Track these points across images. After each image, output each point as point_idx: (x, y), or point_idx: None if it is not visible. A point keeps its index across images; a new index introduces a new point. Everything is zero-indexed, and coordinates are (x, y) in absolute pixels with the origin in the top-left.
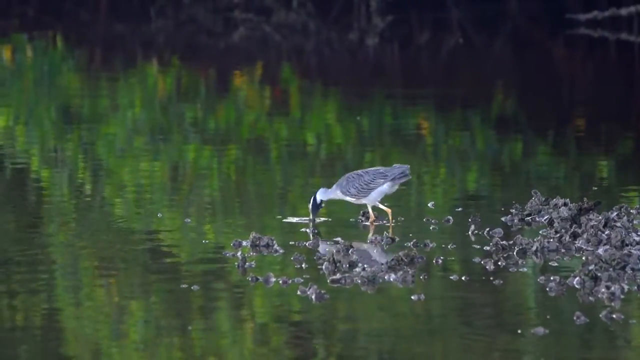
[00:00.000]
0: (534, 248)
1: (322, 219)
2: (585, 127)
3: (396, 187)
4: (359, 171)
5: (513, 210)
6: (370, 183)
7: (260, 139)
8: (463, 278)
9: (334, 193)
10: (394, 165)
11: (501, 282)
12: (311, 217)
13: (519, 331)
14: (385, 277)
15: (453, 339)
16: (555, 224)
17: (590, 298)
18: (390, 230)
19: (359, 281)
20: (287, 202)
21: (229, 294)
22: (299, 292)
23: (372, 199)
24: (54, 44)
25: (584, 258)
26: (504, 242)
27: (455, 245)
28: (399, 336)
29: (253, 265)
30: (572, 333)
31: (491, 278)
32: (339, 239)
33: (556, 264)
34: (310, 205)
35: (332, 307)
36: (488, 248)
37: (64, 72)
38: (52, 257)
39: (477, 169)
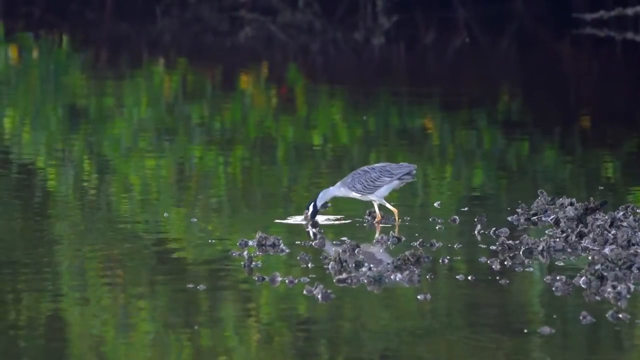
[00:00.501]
0: (540, 248)
1: (329, 217)
2: (591, 127)
3: (402, 184)
4: (365, 167)
5: (519, 210)
6: (376, 180)
7: (267, 138)
8: (469, 278)
9: (338, 190)
10: (401, 163)
11: (507, 281)
12: (310, 220)
13: (525, 331)
14: (392, 277)
15: (459, 338)
16: (562, 224)
17: (597, 298)
18: (397, 230)
19: (365, 281)
20: (293, 202)
21: (235, 294)
22: (305, 292)
23: (379, 195)
24: (60, 43)
25: (590, 258)
26: (510, 241)
27: (461, 245)
28: (405, 336)
29: (259, 265)
30: (578, 333)
31: (497, 278)
32: (345, 238)
33: (562, 264)
34: (308, 211)
35: (338, 307)
36: (494, 248)
37: (70, 72)
38: (58, 257)
39: (483, 168)
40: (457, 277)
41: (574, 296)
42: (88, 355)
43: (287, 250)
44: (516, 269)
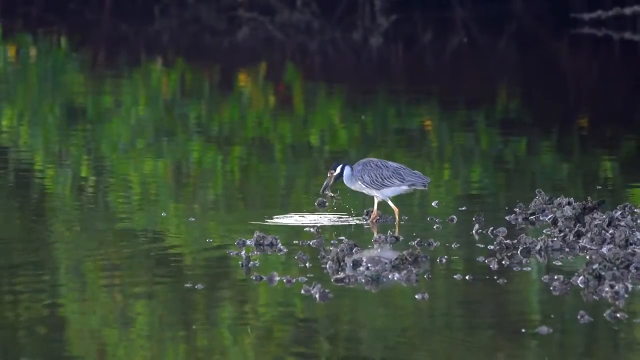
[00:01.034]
0: (537, 247)
1: (326, 216)
2: (589, 127)
3: (409, 191)
4: (378, 161)
5: (517, 210)
6: (386, 179)
7: (264, 138)
8: (467, 277)
9: (348, 177)
10: (416, 171)
11: (505, 281)
12: (330, 181)
13: (523, 330)
14: (389, 276)
15: (457, 338)
16: (559, 223)
17: (594, 297)
18: (396, 229)
19: (363, 280)
20: (291, 201)
21: (233, 293)
22: (302, 291)
23: (384, 195)
24: (58, 43)
25: (587, 257)
26: (508, 241)
27: (459, 245)
28: (403, 335)
29: (257, 265)
30: (576, 332)
31: (495, 277)
32: (343, 238)
33: (560, 263)
34: (335, 171)
35: (336, 306)
36: (492, 247)
37: (68, 71)
38: (56, 256)
39: (481, 168)
40: (455, 276)
41: (572, 295)
42: (87, 355)
43: (285, 250)
44: (514, 269)
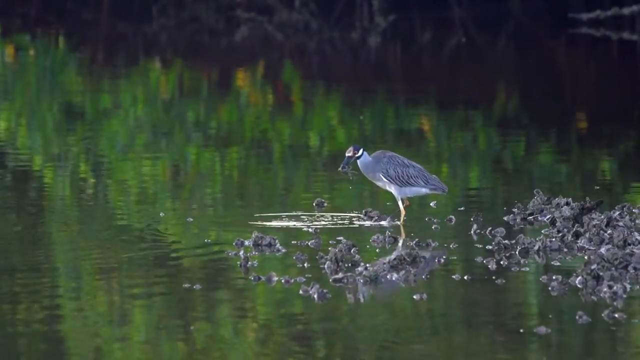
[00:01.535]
0: (536, 247)
1: (324, 215)
2: (587, 127)
3: (424, 194)
4: (404, 159)
5: (515, 210)
6: (411, 178)
7: (263, 138)
8: (465, 277)
9: (368, 162)
10: (435, 176)
11: (503, 281)
12: (347, 161)
13: (521, 330)
14: (388, 277)
15: (455, 338)
16: (558, 224)
17: (593, 297)
18: (402, 230)
19: (361, 280)
20: (290, 201)
21: (231, 294)
22: (301, 292)
23: (402, 192)
24: (56, 43)
25: (586, 257)
26: (506, 241)
27: (457, 245)
28: (401, 336)
29: (255, 265)
30: (574, 332)
31: (493, 277)
32: (341, 238)
33: (558, 264)
34: (358, 152)
35: (334, 307)
36: (490, 247)
37: (66, 71)
38: (54, 257)
39: (479, 168)
40: (453, 276)
41: (570, 296)
42: (85, 355)
43: (283, 250)
44: (512, 269)
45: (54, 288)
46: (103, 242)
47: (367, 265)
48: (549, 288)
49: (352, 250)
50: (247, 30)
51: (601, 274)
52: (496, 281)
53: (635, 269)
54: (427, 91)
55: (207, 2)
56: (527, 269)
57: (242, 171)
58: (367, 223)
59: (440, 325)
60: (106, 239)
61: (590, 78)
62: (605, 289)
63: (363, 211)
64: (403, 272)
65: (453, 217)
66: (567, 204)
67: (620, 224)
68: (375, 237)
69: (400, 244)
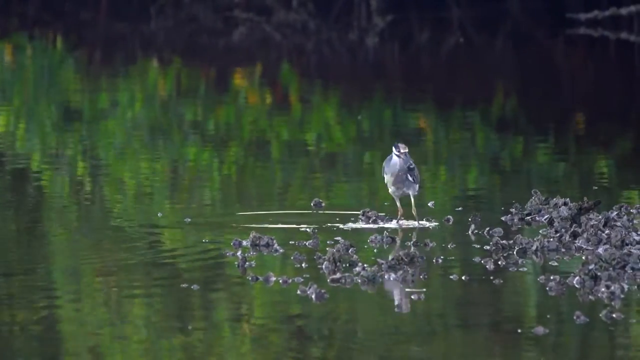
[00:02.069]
0: (534, 247)
1: (322, 213)
2: (585, 127)
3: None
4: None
5: (513, 210)
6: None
7: (261, 138)
8: (463, 277)
9: (396, 162)
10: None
11: (501, 281)
12: (407, 157)
13: (519, 331)
14: (385, 277)
15: (452, 338)
16: (555, 224)
17: (590, 297)
18: (401, 228)
19: (359, 281)
20: (288, 202)
21: (229, 294)
22: (299, 292)
23: (415, 191)
24: (54, 43)
25: (584, 257)
26: (504, 241)
27: (455, 245)
28: (399, 336)
29: (253, 265)
30: (572, 333)
31: (491, 277)
32: (339, 238)
33: (556, 264)
34: (405, 149)
35: (332, 307)
36: (488, 247)
37: (64, 72)
38: (51, 257)
39: (477, 168)
40: (451, 277)
41: (568, 296)
42: (82, 356)
43: (281, 250)
44: (510, 269)
45: (51, 288)
46: (100, 242)
47: (365, 265)
48: (547, 288)
49: (349, 251)
50: (245, 31)
51: (599, 274)
52: (494, 281)
53: (633, 269)
54: (425, 91)
55: (205, 2)
56: (525, 269)
57: (240, 171)
58: (373, 225)
59: (438, 325)
60: (104, 239)
61: (588, 78)
62: (603, 289)
63: (361, 211)
64: (401, 272)
65: (451, 217)
66: (565, 204)
67: (618, 224)
68: (373, 237)
69: (397, 244)
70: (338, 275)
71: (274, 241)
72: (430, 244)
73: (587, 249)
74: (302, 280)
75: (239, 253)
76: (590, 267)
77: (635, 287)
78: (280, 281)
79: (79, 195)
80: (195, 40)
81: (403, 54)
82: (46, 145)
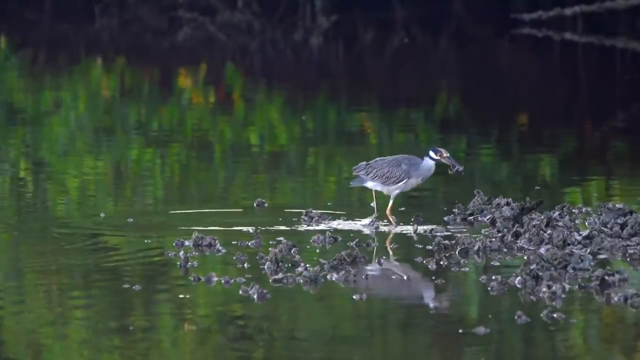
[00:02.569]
0: (476, 247)
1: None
2: (528, 127)
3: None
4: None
5: (455, 210)
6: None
7: (204, 138)
8: (405, 277)
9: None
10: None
11: (443, 281)
12: (453, 162)
13: (460, 331)
14: (328, 277)
15: (394, 338)
16: (498, 224)
17: (532, 297)
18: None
19: (301, 281)
20: (230, 202)
21: (171, 294)
22: (241, 292)
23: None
24: None
25: (525, 257)
26: (446, 241)
27: (397, 245)
28: (341, 336)
29: (195, 265)
30: (513, 332)
31: (433, 277)
32: (281, 238)
33: (498, 264)
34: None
35: (274, 307)
36: (430, 247)
37: (8, 71)
38: None
39: None
40: (393, 277)
41: (509, 296)
42: (24, 354)
43: (224, 251)
44: (452, 269)
45: None
46: (42, 242)
47: (307, 265)
48: (489, 288)
49: (292, 251)
50: (189, 31)
51: (540, 274)
52: (436, 281)
53: (574, 269)
54: (369, 91)
55: (149, 3)
56: (467, 269)
57: (183, 171)
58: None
59: (379, 325)
60: (45, 239)
61: (532, 78)
62: (544, 289)
63: (304, 211)
64: (343, 272)
65: (393, 217)
66: (508, 204)
67: (560, 224)
68: (315, 237)
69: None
70: (280, 275)
71: (217, 241)
72: (373, 244)
73: (529, 249)
74: (244, 280)
75: (181, 253)
76: (532, 267)
77: (577, 287)
78: (223, 281)
79: (20, 196)
80: (140, 40)
81: (347, 54)
82: None
